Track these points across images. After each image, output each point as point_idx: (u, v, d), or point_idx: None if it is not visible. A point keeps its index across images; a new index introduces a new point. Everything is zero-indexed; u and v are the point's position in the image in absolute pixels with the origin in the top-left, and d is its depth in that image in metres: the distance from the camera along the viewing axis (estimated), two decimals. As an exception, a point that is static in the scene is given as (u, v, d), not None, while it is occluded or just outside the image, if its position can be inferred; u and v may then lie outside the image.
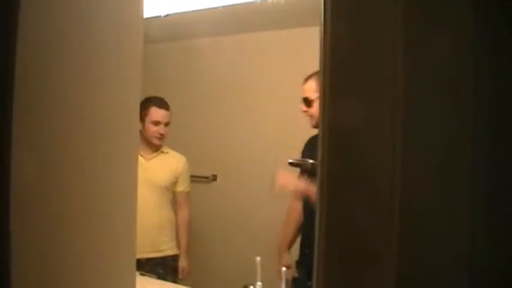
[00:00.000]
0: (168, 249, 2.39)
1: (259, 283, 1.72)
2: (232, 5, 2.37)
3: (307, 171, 1.91)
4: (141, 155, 2.36)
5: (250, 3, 2.28)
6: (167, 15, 2.38)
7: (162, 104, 2.35)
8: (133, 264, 0.93)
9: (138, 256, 2.20)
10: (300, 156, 2.05)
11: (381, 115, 0.64)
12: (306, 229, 2.03)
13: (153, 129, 2.33)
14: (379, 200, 0.63)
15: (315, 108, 1.89)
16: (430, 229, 0.61)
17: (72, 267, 0.78)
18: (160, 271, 2.26)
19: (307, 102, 1.96)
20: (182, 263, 2.39)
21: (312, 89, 1.94)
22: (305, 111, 1.98)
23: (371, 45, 0.63)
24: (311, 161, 1.81)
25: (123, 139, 0.86)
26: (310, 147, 2.01)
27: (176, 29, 2.61)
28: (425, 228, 0.61)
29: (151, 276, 2.04)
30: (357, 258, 0.64)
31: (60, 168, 0.75)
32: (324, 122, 0.69)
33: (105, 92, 0.82)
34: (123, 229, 0.88)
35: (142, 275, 1.99)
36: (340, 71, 0.67)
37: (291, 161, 1.92)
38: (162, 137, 2.35)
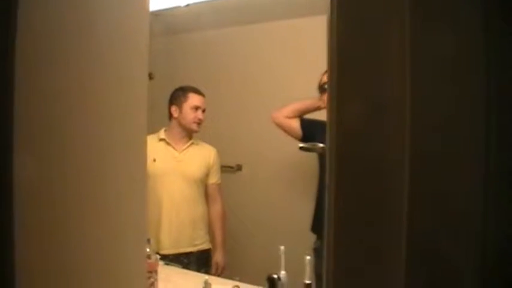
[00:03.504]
0: (202, 243, 2.37)
1: (283, 272, 1.72)
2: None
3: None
4: (173, 147, 2.37)
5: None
6: (187, 5, 2.38)
7: (198, 90, 2.39)
8: (144, 263, 0.93)
9: (172, 251, 2.25)
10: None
11: (389, 105, 0.62)
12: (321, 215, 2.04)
13: (192, 115, 2.34)
14: (388, 182, 0.62)
15: None
16: (440, 194, 0.60)
17: (80, 266, 0.79)
18: (194, 266, 2.24)
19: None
20: (217, 257, 2.34)
21: None
22: (321, 99, 2.04)
23: (377, 40, 0.62)
24: (321, 145, 1.81)
25: (131, 133, 0.86)
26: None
27: (196, 19, 2.61)
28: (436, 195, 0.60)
29: (177, 266, 2.07)
30: (367, 221, 0.63)
31: (65, 166, 0.76)
32: (331, 112, 0.68)
33: (110, 89, 0.82)
34: (132, 225, 0.88)
35: (167, 264, 2.02)
36: (347, 65, 0.66)
37: (301, 145, 1.92)
38: (200, 122, 2.36)
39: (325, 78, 2.04)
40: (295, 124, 2.20)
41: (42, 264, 0.72)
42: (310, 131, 2.17)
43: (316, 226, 2.14)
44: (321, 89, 2.05)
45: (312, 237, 2.12)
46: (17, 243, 0.65)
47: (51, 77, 0.74)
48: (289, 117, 2.21)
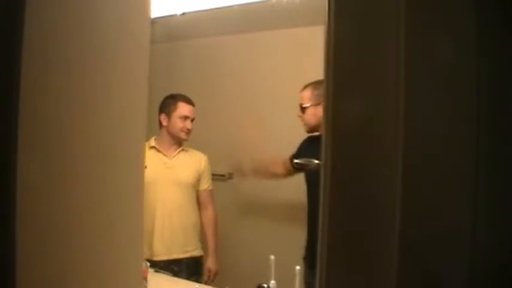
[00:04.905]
0: (193, 250, 2.36)
1: (273, 281, 1.72)
2: (248, 3, 2.38)
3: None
4: (163, 154, 2.37)
5: (266, 1, 2.29)
6: (183, 13, 2.40)
7: (188, 99, 2.39)
8: (141, 265, 0.93)
9: (165, 257, 2.24)
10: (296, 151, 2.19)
11: (382, 114, 0.64)
12: (311, 225, 2.05)
13: (181, 124, 2.35)
14: (380, 191, 0.63)
15: (307, 115, 2.08)
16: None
17: (78, 267, 0.79)
18: (184, 274, 2.22)
19: (302, 109, 2.10)
20: (209, 264, 2.33)
21: (306, 97, 2.09)
22: (300, 117, 2.11)
23: (373, 45, 0.63)
24: (316, 161, 1.82)
25: (130, 138, 0.87)
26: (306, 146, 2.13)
27: (192, 27, 2.62)
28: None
29: (167, 274, 2.06)
30: (359, 239, 0.64)
31: (66, 169, 0.77)
32: (327, 119, 0.70)
33: (111, 93, 0.83)
34: (130, 230, 0.89)
35: (156, 271, 2.01)
36: (343, 71, 0.67)
37: (296, 161, 1.93)
38: (189, 132, 2.36)
39: (304, 96, 2.11)
40: (291, 169, 2.20)
41: (42, 264, 0.72)
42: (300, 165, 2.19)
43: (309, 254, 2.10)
44: (300, 107, 2.12)
45: (302, 247, 2.13)
46: (18, 242, 0.65)
47: (55, 79, 0.75)
48: (283, 173, 2.24)
